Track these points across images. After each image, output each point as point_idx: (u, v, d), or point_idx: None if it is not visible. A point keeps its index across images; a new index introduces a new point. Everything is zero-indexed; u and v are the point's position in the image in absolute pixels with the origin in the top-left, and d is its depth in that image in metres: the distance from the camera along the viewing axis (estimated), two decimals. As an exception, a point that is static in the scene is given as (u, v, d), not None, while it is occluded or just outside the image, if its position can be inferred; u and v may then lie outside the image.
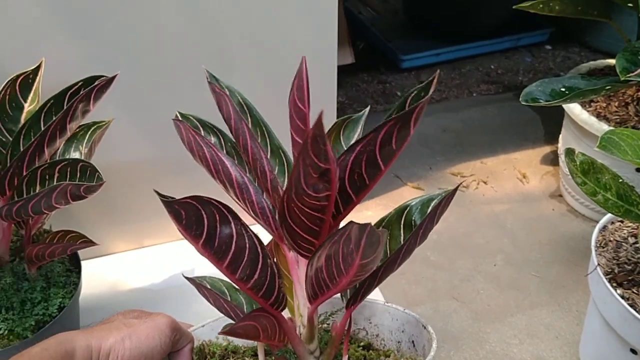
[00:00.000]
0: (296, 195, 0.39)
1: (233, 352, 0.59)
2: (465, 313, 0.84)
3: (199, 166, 0.87)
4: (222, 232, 0.41)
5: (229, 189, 0.47)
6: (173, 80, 0.79)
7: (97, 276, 0.87)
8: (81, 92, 0.62)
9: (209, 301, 0.50)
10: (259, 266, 0.43)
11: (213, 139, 0.54)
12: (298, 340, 0.49)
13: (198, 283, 0.50)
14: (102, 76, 0.63)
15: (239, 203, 0.47)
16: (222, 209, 0.41)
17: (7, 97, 0.71)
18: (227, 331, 0.42)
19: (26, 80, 0.72)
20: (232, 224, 0.41)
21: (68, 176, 0.60)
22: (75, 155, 0.72)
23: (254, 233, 0.42)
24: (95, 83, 0.62)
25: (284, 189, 0.47)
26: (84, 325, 0.78)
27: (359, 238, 0.37)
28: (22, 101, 0.72)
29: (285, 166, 0.52)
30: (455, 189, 0.48)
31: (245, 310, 0.55)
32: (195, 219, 0.40)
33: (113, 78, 0.62)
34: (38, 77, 0.72)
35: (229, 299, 0.55)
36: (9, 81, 0.71)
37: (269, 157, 0.52)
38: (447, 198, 0.48)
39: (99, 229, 0.88)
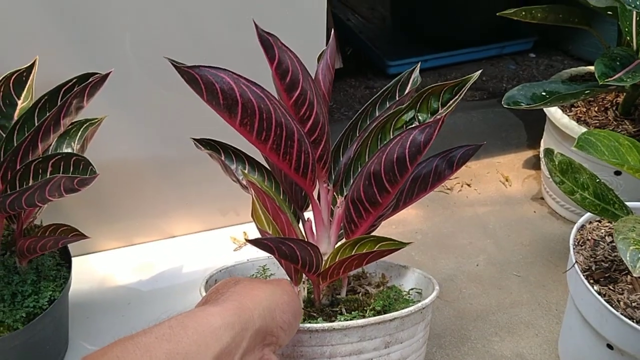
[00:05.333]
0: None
1: None
2: (448, 311, 0.86)
3: (188, 165, 0.89)
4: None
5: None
6: (165, 78, 0.81)
7: (87, 272, 0.88)
8: (75, 89, 0.63)
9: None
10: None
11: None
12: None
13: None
14: (96, 73, 0.64)
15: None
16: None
17: (1, 94, 0.72)
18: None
19: (20, 78, 0.73)
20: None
21: (61, 170, 0.62)
22: (67, 151, 0.73)
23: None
24: (89, 80, 0.63)
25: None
26: (73, 321, 0.79)
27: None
28: (16, 98, 0.73)
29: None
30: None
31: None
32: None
33: (107, 75, 0.63)
34: (32, 75, 0.73)
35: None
36: (2, 78, 0.72)
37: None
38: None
39: (90, 226, 0.88)
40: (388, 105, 0.65)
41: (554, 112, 0.98)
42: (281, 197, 0.65)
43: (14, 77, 0.73)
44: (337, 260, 0.56)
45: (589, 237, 0.74)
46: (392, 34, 1.62)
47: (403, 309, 0.60)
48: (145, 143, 0.86)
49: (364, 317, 0.59)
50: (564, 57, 1.62)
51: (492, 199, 1.08)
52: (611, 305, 0.64)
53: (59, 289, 0.69)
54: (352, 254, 0.55)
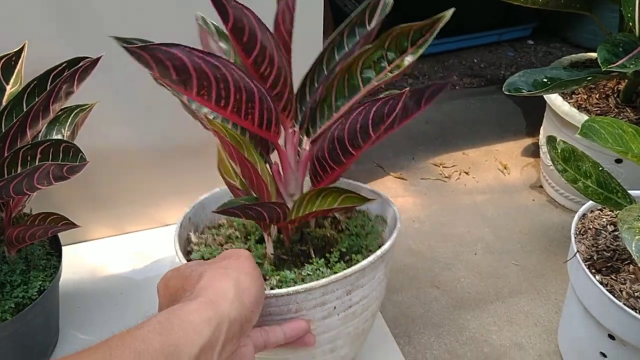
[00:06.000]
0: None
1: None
2: (446, 300, 0.84)
3: (181, 153, 0.87)
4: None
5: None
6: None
7: (78, 261, 0.86)
8: (65, 73, 0.61)
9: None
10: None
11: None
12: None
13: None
14: (87, 57, 0.62)
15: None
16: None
17: (-11, 78, 0.70)
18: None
19: (8, 63, 0.71)
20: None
21: (51, 157, 0.60)
22: (57, 138, 0.71)
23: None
24: (80, 64, 0.61)
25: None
26: (64, 311, 0.77)
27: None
28: (4, 83, 0.71)
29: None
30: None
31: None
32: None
33: (98, 59, 0.61)
34: (21, 60, 0.71)
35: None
36: (-10, 62, 0.70)
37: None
38: None
39: (80, 214, 0.86)
40: (358, 38, 0.61)
41: (554, 99, 0.96)
42: (247, 140, 0.61)
43: (2, 61, 0.70)
44: (301, 213, 0.58)
45: (590, 226, 0.72)
46: (390, 21, 1.59)
47: (368, 246, 0.64)
48: (136, 130, 0.84)
49: (328, 262, 0.62)
50: (562, 44, 1.61)
51: (491, 187, 1.07)
52: (613, 295, 0.62)
53: (49, 279, 0.67)
54: (314, 209, 0.57)
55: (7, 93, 0.71)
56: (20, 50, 0.71)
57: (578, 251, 0.67)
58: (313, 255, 0.63)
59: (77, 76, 0.61)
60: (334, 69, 0.61)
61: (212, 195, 0.71)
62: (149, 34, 0.76)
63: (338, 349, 0.65)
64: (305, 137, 0.61)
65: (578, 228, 0.72)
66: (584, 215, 0.74)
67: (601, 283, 0.64)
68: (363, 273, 0.59)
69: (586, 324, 0.68)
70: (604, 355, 0.67)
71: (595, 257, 0.68)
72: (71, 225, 0.63)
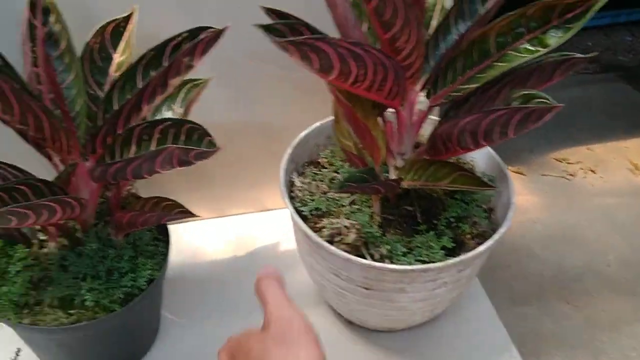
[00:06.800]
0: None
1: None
2: (578, 318, 0.75)
3: (286, 131, 0.80)
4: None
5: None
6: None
7: (177, 243, 0.81)
8: (186, 45, 0.55)
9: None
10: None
11: None
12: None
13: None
14: (209, 27, 0.56)
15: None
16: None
17: (97, 45, 0.65)
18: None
19: (117, 29, 0.65)
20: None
21: (170, 138, 0.54)
22: (167, 115, 0.66)
23: None
24: (202, 36, 0.54)
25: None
26: (166, 297, 0.73)
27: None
28: (112, 51, 0.65)
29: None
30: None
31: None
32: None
33: (222, 30, 0.54)
34: (130, 26, 0.66)
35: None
36: (98, 29, 0.65)
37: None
38: None
39: (181, 194, 0.81)
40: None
41: None
42: (362, 99, 0.62)
43: (110, 27, 0.65)
44: (410, 179, 0.61)
45: None
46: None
47: (474, 215, 0.65)
48: (243, 108, 0.78)
49: (435, 230, 0.63)
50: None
51: (620, 189, 0.96)
52: None
53: (158, 268, 0.62)
54: (423, 180, 0.60)
55: (115, 62, 0.66)
56: (129, 16, 0.66)
57: None
58: (420, 220, 0.64)
59: (199, 48, 0.55)
60: (465, 34, 0.58)
61: (312, 131, 0.72)
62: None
63: (438, 308, 0.67)
64: (424, 98, 0.61)
65: None
66: None
67: None
68: (477, 255, 0.59)
69: None
70: None
71: None
72: (187, 214, 0.57)
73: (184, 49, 0.54)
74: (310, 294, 0.75)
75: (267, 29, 0.50)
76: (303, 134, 0.71)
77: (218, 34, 0.54)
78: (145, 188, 0.69)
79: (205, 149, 0.49)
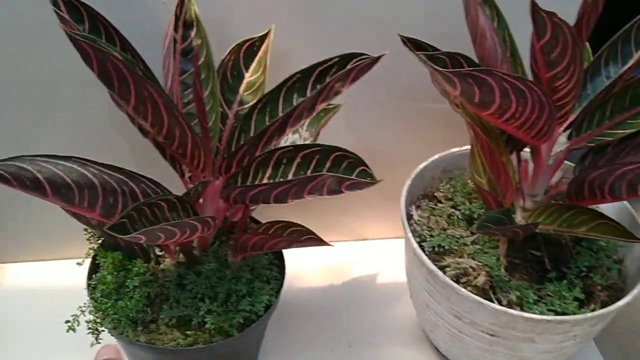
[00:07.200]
0: None
1: None
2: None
3: (393, 160, 0.78)
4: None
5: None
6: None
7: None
8: (338, 71, 0.54)
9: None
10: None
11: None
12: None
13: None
14: (362, 54, 0.54)
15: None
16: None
17: (230, 63, 0.65)
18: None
19: (251, 48, 0.65)
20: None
21: (313, 165, 0.53)
22: (293, 139, 0.65)
23: None
24: (356, 62, 0.53)
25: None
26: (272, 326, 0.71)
27: None
28: (244, 70, 0.65)
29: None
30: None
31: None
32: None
33: (379, 58, 0.53)
34: (264, 46, 0.65)
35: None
36: (234, 47, 0.64)
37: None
38: None
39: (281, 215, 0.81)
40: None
41: None
42: (499, 134, 0.61)
43: (246, 45, 0.65)
44: (540, 221, 0.59)
45: None
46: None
47: (608, 267, 0.62)
48: (355, 132, 0.77)
49: (565, 279, 0.60)
50: None
51: None
52: None
53: (274, 294, 0.61)
54: (556, 225, 0.57)
55: (245, 81, 0.65)
56: (265, 36, 0.65)
57: None
58: (548, 267, 0.62)
59: (352, 75, 0.53)
60: (621, 75, 0.57)
61: (430, 163, 0.70)
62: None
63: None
64: (565, 139, 0.60)
65: None
66: None
67: None
68: (615, 310, 0.56)
69: None
70: None
71: None
72: (318, 242, 0.55)
73: (338, 74, 0.52)
74: (412, 331, 0.73)
75: (431, 58, 0.49)
76: (422, 165, 0.70)
77: (374, 61, 0.53)
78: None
79: (361, 179, 0.47)
